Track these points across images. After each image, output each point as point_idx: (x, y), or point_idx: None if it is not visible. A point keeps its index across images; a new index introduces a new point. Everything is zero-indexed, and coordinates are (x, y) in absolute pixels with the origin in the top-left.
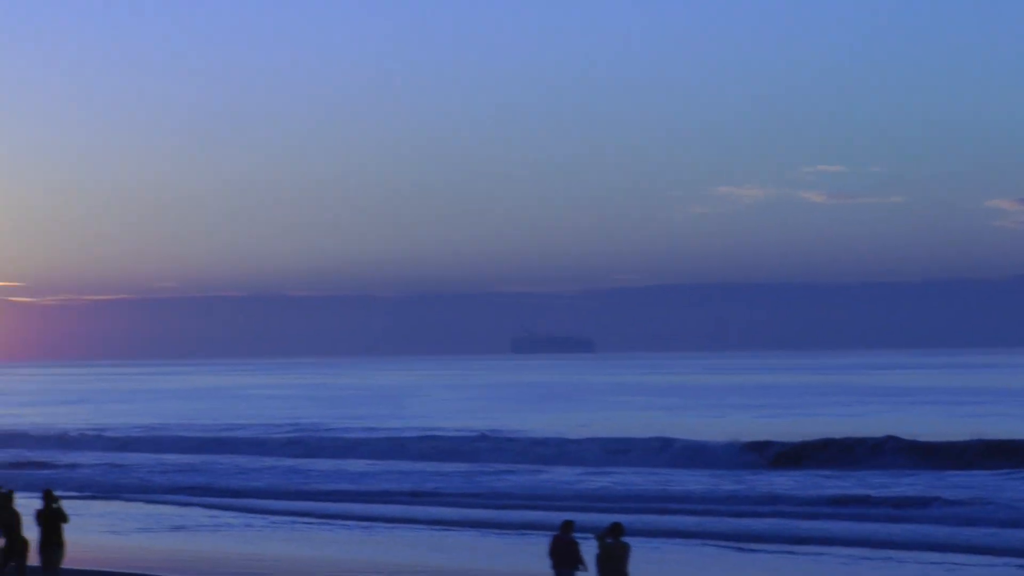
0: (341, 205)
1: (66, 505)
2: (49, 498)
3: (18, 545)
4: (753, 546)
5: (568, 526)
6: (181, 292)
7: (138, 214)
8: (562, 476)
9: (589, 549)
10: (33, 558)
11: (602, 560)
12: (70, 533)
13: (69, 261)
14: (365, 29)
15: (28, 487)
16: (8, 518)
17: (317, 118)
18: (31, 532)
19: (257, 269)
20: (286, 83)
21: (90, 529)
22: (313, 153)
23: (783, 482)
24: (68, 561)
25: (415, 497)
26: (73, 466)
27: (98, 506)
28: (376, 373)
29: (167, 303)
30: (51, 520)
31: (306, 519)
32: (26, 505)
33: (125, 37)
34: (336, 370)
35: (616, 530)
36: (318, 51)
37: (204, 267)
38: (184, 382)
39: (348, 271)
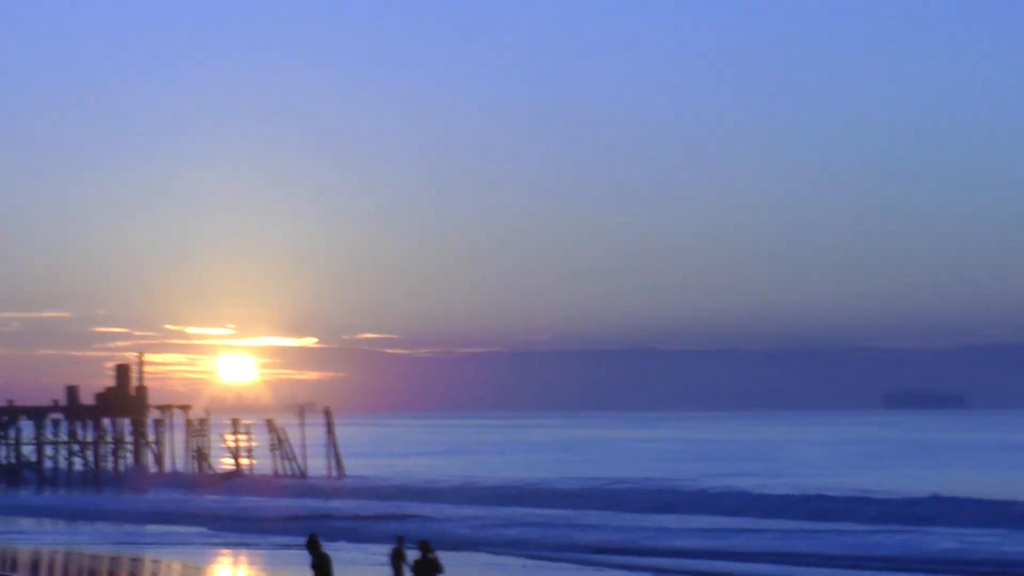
0: (711, 260)
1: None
2: (425, 548)
3: None
4: None
5: None
6: (553, 345)
7: (511, 268)
8: (942, 539)
9: None
10: None
11: None
12: None
13: (443, 314)
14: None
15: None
16: (319, 560)
17: (687, 172)
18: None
19: (627, 323)
20: (662, 136)
21: None
22: (685, 207)
23: None
24: None
25: (782, 557)
26: (436, 518)
27: (471, 558)
28: (746, 427)
29: (539, 356)
30: (427, 570)
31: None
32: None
33: (499, 89)
34: (706, 424)
35: None
36: (691, 103)
37: (576, 321)
38: (556, 434)
39: (717, 326)
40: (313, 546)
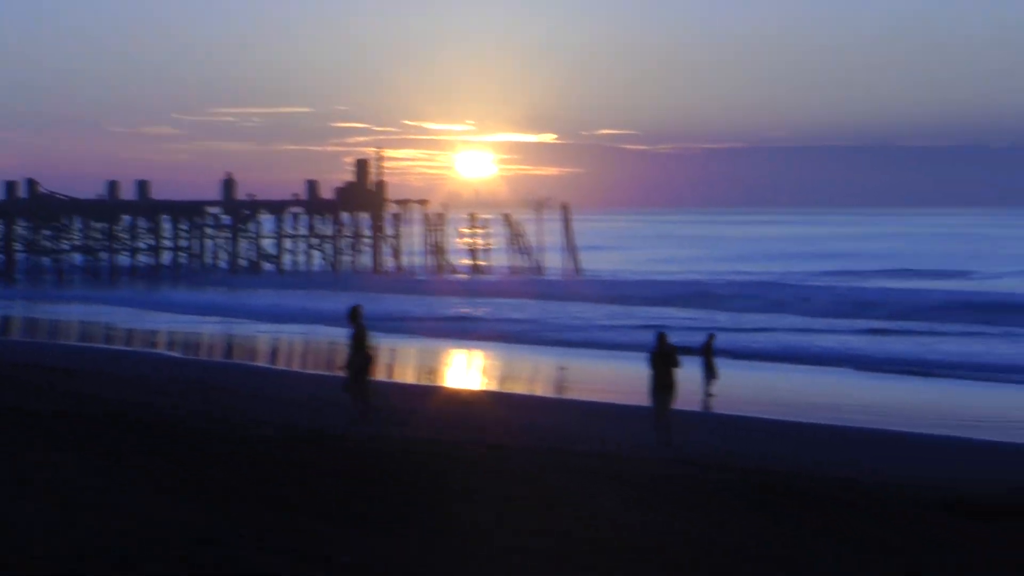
0: (957, 52)
1: None
2: (662, 341)
3: (360, 358)
4: None
5: None
6: (793, 141)
7: (753, 63)
8: None
9: None
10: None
11: None
12: None
13: (683, 109)
14: None
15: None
16: (358, 331)
17: None
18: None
19: (866, 119)
20: None
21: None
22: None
23: None
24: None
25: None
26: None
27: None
28: (987, 223)
29: (779, 151)
30: (663, 362)
31: None
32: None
33: None
34: (949, 219)
35: None
36: None
37: (817, 116)
38: (789, 231)
39: (963, 121)
40: (354, 317)
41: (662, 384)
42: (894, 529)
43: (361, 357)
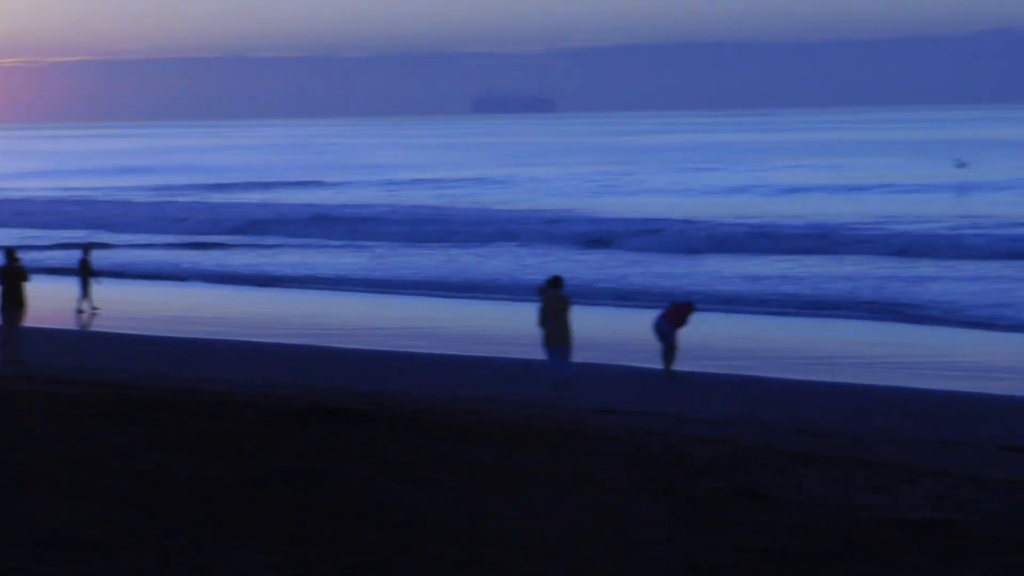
0: None
1: None
2: (11, 256)
3: None
4: None
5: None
6: (148, 54)
7: None
8: None
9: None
10: None
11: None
12: None
13: (29, 21)
14: None
15: None
16: None
17: None
18: None
19: (224, 30)
20: None
21: None
22: None
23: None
24: None
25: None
26: None
27: None
28: (333, 133)
29: (133, 65)
30: (12, 278)
31: None
32: None
33: None
34: (300, 131)
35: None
36: None
37: (172, 28)
38: (128, 144)
39: (314, 32)
40: None
41: (10, 300)
42: (234, 432)
43: None
